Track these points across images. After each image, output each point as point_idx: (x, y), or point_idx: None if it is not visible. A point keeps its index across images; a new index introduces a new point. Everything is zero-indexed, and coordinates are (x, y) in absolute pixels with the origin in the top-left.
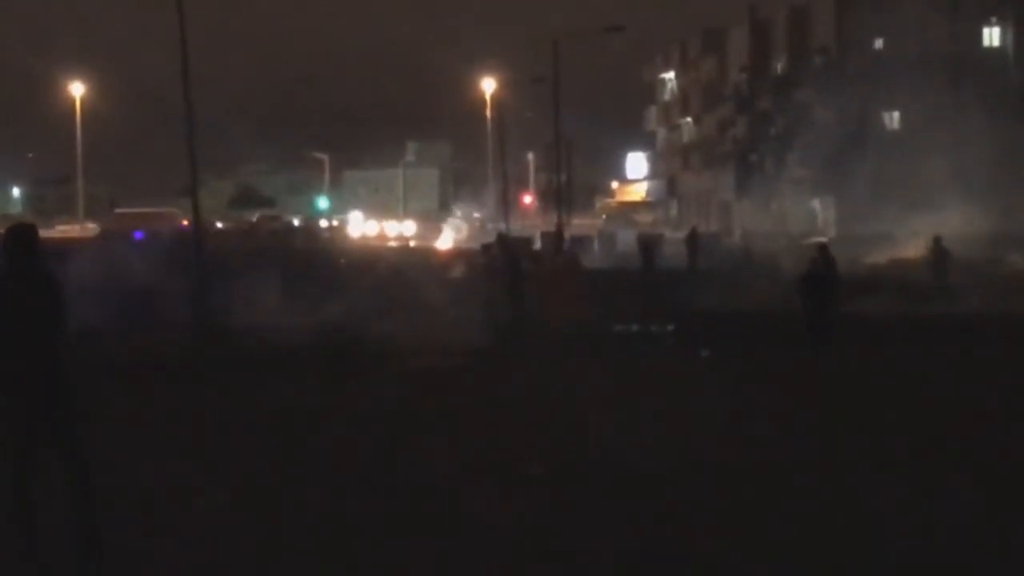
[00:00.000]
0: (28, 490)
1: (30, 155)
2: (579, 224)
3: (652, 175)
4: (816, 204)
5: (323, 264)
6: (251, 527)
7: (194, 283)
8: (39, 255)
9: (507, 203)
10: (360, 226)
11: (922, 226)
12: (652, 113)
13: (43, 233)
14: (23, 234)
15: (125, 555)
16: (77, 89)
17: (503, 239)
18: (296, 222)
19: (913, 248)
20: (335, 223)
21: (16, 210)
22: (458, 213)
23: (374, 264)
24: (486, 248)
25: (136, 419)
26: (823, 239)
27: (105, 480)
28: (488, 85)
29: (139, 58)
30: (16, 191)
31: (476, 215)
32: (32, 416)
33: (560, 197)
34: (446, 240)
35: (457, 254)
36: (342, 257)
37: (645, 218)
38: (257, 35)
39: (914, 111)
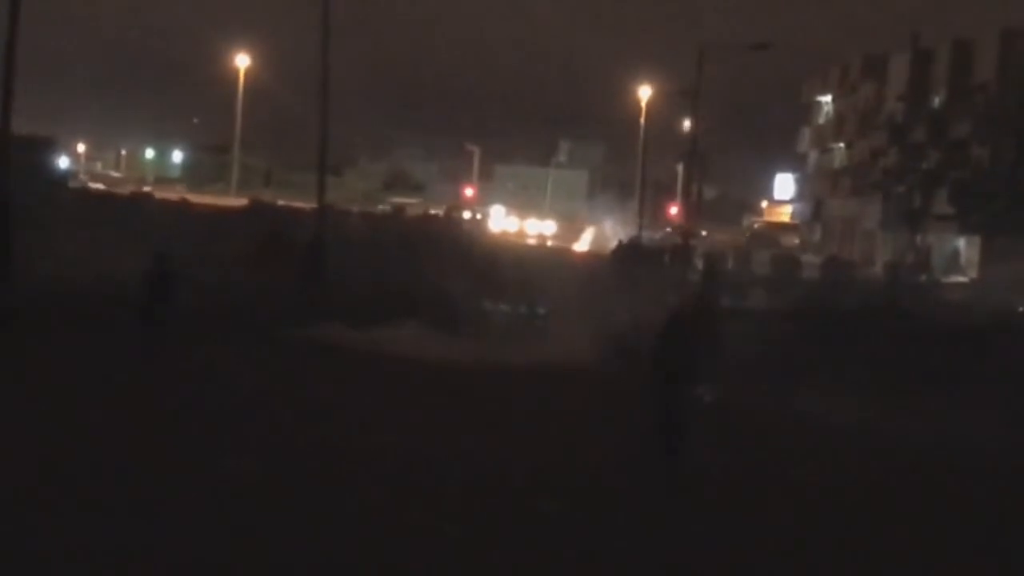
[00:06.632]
0: None
1: (195, 120)
2: (720, 240)
3: (800, 197)
4: (961, 243)
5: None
6: None
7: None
8: None
9: (643, 211)
10: (501, 221)
11: None
12: (805, 135)
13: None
14: None
15: None
16: (242, 60)
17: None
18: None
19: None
20: (477, 216)
21: (174, 175)
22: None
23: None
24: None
25: None
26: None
27: None
28: (644, 92)
29: (306, 33)
30: (178, 155)
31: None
32: None
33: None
34: (583, 243)
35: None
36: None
37: (789, 240)
38: (420, 19)
39: None
